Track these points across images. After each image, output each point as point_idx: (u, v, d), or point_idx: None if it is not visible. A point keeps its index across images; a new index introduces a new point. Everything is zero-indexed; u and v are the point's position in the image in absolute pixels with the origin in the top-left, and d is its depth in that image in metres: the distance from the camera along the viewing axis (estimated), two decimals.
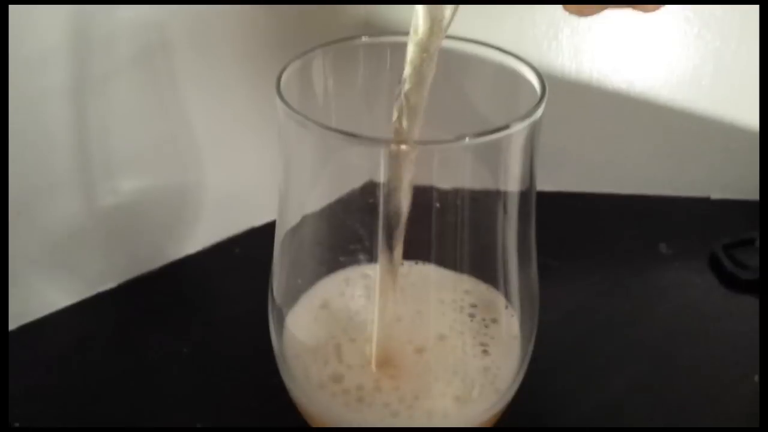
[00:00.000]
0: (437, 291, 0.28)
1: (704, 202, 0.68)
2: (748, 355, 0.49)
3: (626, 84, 0.63)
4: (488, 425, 0.28)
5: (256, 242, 0.60)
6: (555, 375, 0.49)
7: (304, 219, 0.30)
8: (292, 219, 0.30)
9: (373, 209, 0.28)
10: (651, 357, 0.50)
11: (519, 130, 0.23)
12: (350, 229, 0.31)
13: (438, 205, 0.26)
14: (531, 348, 0.30)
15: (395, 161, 0.24)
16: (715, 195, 0.68)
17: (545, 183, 0.28)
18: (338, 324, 0.30)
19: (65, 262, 0.52)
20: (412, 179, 0.25)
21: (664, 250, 0.61)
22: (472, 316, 0.28)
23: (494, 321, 0.29)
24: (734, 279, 0.58)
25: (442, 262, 0.27)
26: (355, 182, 0.30)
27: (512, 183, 0.26)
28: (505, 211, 0.27)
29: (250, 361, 0.49)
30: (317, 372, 0.29)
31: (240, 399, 0.47)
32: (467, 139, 0.22)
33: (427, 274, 0.27)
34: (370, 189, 0.30)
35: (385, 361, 0.28)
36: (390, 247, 0.26)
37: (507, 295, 0.28)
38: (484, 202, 0.26)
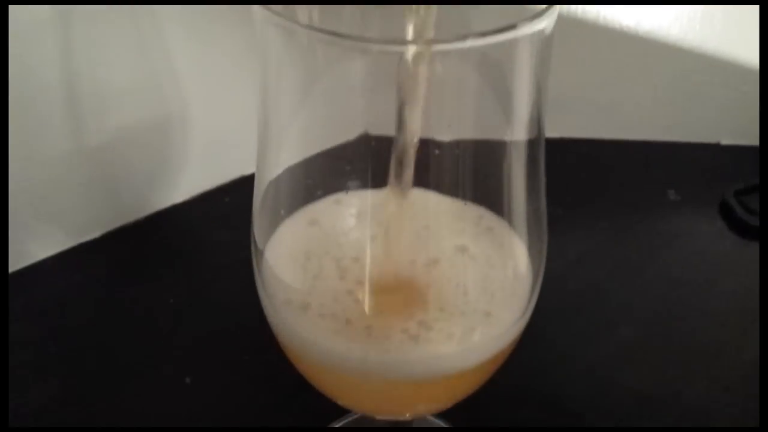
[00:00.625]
0: (445, 215, 0.26)
1: (714, 148, 0.65)
2: (758, 302, 0.47)
3: (634, 23, 0.60)
4: (508, 350, 0.26)
5: (247, 191, 0.57)
6: (562, 323, 0.47)
7: (289, 171, 0.28)
8: (273, 170, 0.27)
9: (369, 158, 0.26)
10: (659, 305, 0.48)
11: (527, 35, 0.20)
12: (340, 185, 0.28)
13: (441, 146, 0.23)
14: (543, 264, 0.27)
15: (408, 71, 0.21)
16: (726, 140, 0.65)
17: (548, 129, 0.25)
18: (332, 241, 0.27)
19: (45, 212, 0.50)
20: (426, 91, 0.22)
21: (673, 196, 0.59)
22: (487, 231, 0.26)
23: (502, 245, 0.26)
24: (745, 226, 0.55)
25: (445, 189, 0.25)
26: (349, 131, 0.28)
27: (520, 107, 0.24)
28: (513, 142, 0.24)
29: (240, 313, 0.47)
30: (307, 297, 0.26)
31: (230, 352, 0.45)
32: (469, 39, 0.19)
33: (434, 199, 0.25)
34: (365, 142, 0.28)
35: (394, 280, 0.25)
36: (401, 165, 0.23)
37: (512, 217, 0.25)
38: (491, 130, 0.24)
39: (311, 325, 0.25)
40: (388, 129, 0.24)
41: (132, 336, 0.46)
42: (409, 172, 0.23)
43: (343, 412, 0.41)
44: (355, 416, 0.40)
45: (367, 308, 0.25)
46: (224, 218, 0.55)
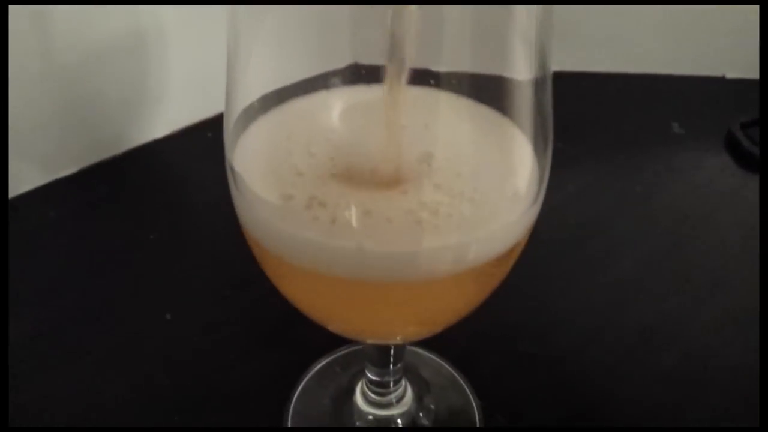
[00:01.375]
0: (445, 109, 0.23)
1: (719, 81, 0.63)
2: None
3: None
4: (509, 257, 0.23)
5: None
6: (561, 256, 0.45)
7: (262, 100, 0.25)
8: (242, 97, 0.25)
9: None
10: (662, 238, 0.46)
11: None
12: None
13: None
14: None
15: None
16: (731, 74, 0.63)
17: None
18: (315, 130, 0.24)
19: (17, 148, 0.47)
20: None
21: (677, 129, 0.56)
22: (489, 126, 0.23)
23: (505, 139, 0.23)
24: (752, 158, 0.53)
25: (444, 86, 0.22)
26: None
27: None
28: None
29: (222, 249, 0.45)
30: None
31: (211, 288, 0.42)
32: None
33: (433, 95, 0.22)
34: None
35: (392, 172, 0.22)
36: (399, 55, 0.20)
37: (515, 113, 0.23)
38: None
39: (297, 220, 0.22)
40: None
41: (109, 272, 0.44)
42: (405, 62, 0.21)
43: (329, 347, 0.39)
44: (343, 352, 0.38)
45: (362, 195, 0.22)
46: (207, 154, 0.52)
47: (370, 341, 0.31)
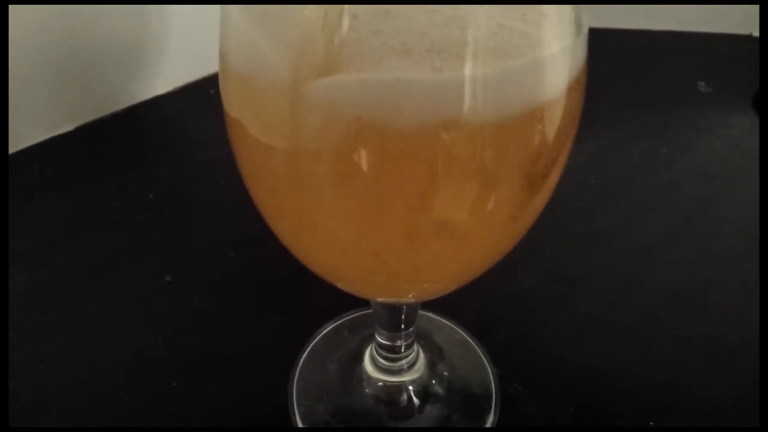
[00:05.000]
0: None
1: (746, 40, 0.60)
2: None
3: None
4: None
5: None
6: (584, 216, 0.42)
7: None
8: None
9: None
10: (687, 200, 0.44)
11: None
12: None
13: None
14: None
15: None
16: (758, 32, 0.60)
17: None
18: None
19: (13, 104, 0.45)
20: None
21: (703, 88, 0.54)
22: None
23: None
24: None
25: None
26: None
27: None
28: None
29: (225, 208, 0.43)
30: None
31: (214, 249, 0.40)
32: None
33: None
34: None
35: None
36: None
37: None
38: None
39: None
40: None
41: (108, 233, 0.42)
42: None
43: (337, 311, 0.37)
44: (351, 316, 0.37)
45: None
46: (208, 111, 0.50)
47: (380, 299, 0.29)
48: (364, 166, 0.19)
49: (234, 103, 0.22)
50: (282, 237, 0.24)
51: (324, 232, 0.22)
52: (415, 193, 0.19)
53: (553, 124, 0.20)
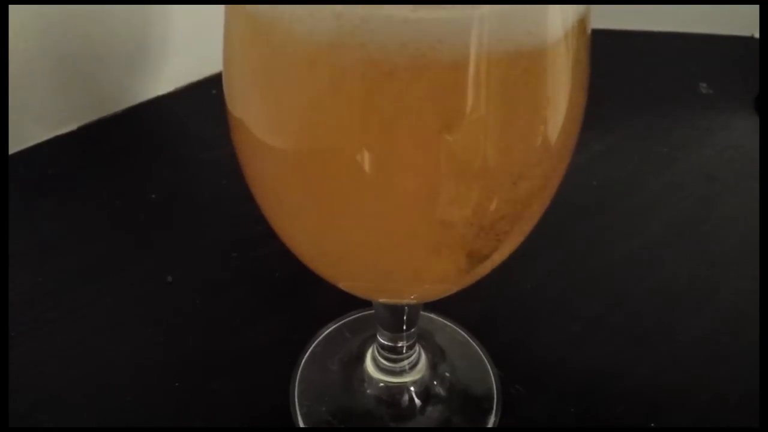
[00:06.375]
0: None
1: (748, 41, 0.60)
2: None
3: None
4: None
5: None
6: (586, 217, 0.42)
7: None
8: None
9: None
10: (689, 201, 0.44)
11: None
12: None
13: None
14: None
15: None
16: (759, 34, 0.60)
17: None
18: None
19: (16, 103, 0.45)
20: None
21: (705, 90, 0.54)
22: None
23: None
24: None
25: None
26: None
27: None
28: None
29: (227, 208, 0.43)
30: None
31: (215, 249, 0.40)
32: None
33: None
34: None
35: None
36: None
37: None
38: None
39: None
40: None
41: (110, 232, 0.42)
42: None
43: (339, 311, 0.37)
44: (353, 316, 0.37)
45: None
46: (210, 111, 0.50)
47: (382, 300, 0.29)
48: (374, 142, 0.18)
49: (239, 90, 0.21)
50: (284, 237, 0.24)
51: (329, 232, 0.22)
52: (422, 185, 0.19)
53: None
